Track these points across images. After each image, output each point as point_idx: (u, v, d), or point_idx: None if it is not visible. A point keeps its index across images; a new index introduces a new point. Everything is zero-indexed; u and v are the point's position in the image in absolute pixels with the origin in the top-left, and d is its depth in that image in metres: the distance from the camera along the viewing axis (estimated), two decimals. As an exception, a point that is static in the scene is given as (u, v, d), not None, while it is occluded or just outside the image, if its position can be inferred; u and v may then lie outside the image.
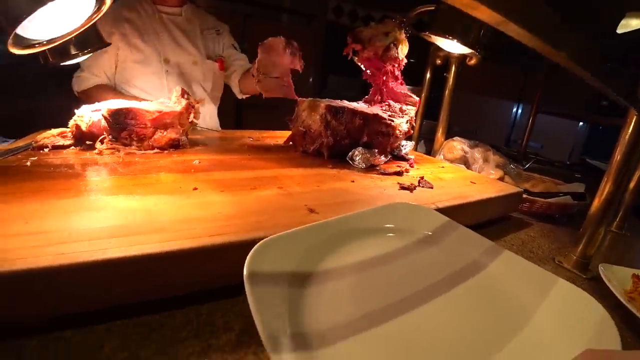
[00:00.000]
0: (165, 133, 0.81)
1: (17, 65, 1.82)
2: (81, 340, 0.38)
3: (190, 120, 0.87)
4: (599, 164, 2.02)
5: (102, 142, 0.80)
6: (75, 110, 0.84)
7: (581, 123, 3.61)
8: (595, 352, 0.31)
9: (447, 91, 1.27)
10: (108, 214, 0.50)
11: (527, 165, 1.52)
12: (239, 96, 1.57)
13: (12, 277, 0.35)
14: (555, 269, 0.70)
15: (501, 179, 1.08)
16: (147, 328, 0.40)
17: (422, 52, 1.26)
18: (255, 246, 0.40)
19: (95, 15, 0.64)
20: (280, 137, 1.09)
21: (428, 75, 1.36)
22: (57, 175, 0.64)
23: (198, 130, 1.10)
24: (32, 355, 0.35)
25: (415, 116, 0.97)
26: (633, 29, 0.59)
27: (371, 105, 0.91)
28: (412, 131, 0.95)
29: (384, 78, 0.91)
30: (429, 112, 1.45)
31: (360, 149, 0.83)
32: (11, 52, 0.58)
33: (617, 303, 0.57)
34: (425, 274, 0.45)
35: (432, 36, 1.06)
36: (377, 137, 0.83)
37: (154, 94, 1.30)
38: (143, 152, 0.80)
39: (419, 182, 0.77)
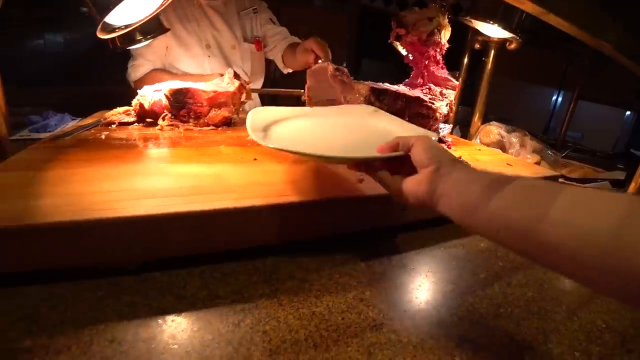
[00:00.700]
0: (219, 111, 0.88)
1: (84, 52, 1.97)
2: (168, 280, 0.45)
3: (241, 100, 0.93)
4: (646, 155, 1.93)
5: (163, 119, 0.88)
6: (139, 91, 0.93)
7: (628, 112, 3.39)
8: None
9: (485, 76, 1.27)
10: (185, 176, 0.57)
11: (565, 153, 1.50)
12: (284, 70, 1.57)
13: (114, 223, 0.42)
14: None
15: (537, 163, 1.09)
16: (221, 273, 0.47)
17: (458, 36, 1.26)
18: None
19: (165, 2, 0.71)
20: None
21: (465, 60, 1.36)
22: (130, 146, 0.73)
23: (246, 110, 1.16)
24: (132, 288, 0.43)
25: (454, 100, 0.99)
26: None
27: (412, 89, 0.94)
28: (450, 114, 0.97)
29: (426, 62, 0.93)
30: (464, 98, 1.45)
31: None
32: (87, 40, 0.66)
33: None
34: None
35: (473, 21, 1.07)
36: (417, 118, 0.86)
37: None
38: (199, 128, 0.88)
39: (456, 162, 0.80)
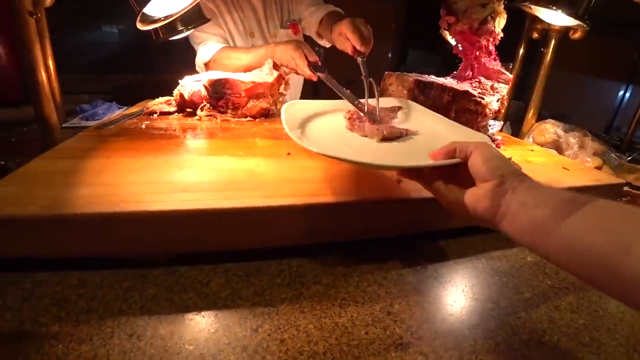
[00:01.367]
0: (257, 102, 0.88)
1: (131, 43, 2.07)
2: (193, 275, 0.45)
3: (280, 91, 0.92)
4: None
5: (201, 109, 0.89)
6: (179, 81, 0.94)
7: None
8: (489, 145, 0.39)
9: (542, 68, 1.16)
10: (217, 170, 0.57)
11: (632, 156, 1.35)
12: (325, 45, 1.40)
13: (144, 217, 0.43)
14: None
15: (599, 168, 0.98)
16: (246, 272, 0.46)
17: (514, 24, 1.15)
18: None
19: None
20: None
21: (521, 51, 1.25)
22: (168, 136, 0.74)
23: (287, 101, 1.15)
24: (157, 281, 0.43)
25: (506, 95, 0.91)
26: None
27: (461, 82, 0.87)
28: (502, 111, 0.89)
29: (477, 53, 0.86)
30: (516, 92, 1.34)
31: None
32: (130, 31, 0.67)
33: None
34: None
35: (532, 6, 0.97)
36: (464, 114, 0.80)
37: None
38: (237, 119, 0.88)
39: (505, 163, 0.74)
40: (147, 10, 0.65)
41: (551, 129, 1.06)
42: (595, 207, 0.29)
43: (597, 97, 3.41)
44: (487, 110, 0.80)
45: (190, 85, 0.91)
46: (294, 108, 0.59)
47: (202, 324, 0.37)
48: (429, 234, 0.57)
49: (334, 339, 0.36)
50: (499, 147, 0.87)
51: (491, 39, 0.84)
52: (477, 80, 0.86)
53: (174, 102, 0.95)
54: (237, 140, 0.74)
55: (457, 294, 0.45)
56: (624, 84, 3.37)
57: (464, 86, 0.82)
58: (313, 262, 0.48)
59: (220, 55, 1.17)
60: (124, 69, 2.08)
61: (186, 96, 0.91)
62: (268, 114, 0.91)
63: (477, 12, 0.80)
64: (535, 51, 1.27)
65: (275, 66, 0.92)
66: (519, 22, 1.18)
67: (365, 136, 0.59)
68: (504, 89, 0.85)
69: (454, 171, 0.41)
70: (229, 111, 0.88)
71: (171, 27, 0.88)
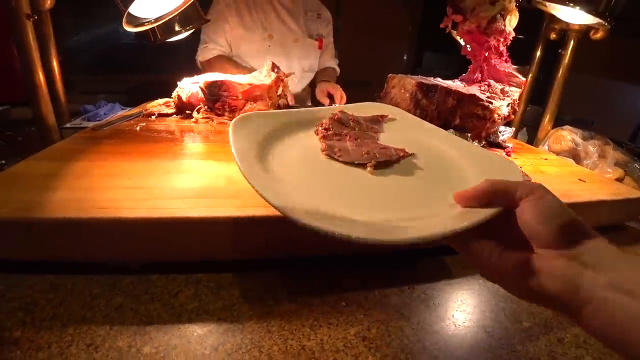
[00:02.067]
0: (254, 105, 0.85)
1: (133, 45, 2.10)
2: (163, 285, 0.43)
3: (278, 93, 0.89)
4: None
5: (198, 111, 0.87)
6: (178, 82, 0.93)
7: None
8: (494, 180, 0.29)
9: (560, 71, 1.08)
10: (198, 176, 0.55)
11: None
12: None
13: (113, 223, 0.41)
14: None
15: (620, 179, 0.91)
16: (217, 284, 0.43)
17: (532, 25, 1.09)
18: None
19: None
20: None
21: (538, 53, 1.18)
22: (160, 139, 0.73)
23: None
24: (127, 289, 0.41)
25: (519, 99, 0.85)
26: None
27: (469, 85, 0.82)
28: (513, 116, 0.84)
29: (486, 54, 0.81)
30: (535, 96, 1.27)
31: (451, 131, 0.76)
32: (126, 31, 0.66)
33: None
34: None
35: (548, 4, 0.91)
36: (471, 120, 0.75)
37: (257, 67, 1.37)
38: (232, 122, 0.86)
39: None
40: (134, 11, 0.63)
41: (568, 136, 0.99)
42: None
43: (623, 103, 3.23)
44: (496, 115, 0.75)
45: (188, 87, 0.89)
46: (245, 129, 0.44)
47: (161, 339, 0.35)
48: (422, 249, 0.52)
49: (297, 366, 0.33)
50: (509, 155, 0.81)
51: (501, 39, 0.79)
52: (486, 83, 0.81)
53: (172, 104, 0.94)
54: (226, 144, 0.70)
55: (446, 320, 0.41)
56: (654, 88, 3.19)
57: (472, 89, 0.77)
58: (290, 277, 0.45)
59: (214, 59, 1.35)
60: (138, 70, 2.12)
61: (184, 98, 0.89)
62: (266, 117, 0.89)
63: (485, 9, 0.75)
64: (555, 53, 1.20)
65: (274, 67, 0.90)
66: (537, 22, 1.12)
67: (352, 162, 0.43)
68: (515, 93, 0.80)
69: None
70: (226, 113, 0.86)
71: (169, 28, 0.86)
